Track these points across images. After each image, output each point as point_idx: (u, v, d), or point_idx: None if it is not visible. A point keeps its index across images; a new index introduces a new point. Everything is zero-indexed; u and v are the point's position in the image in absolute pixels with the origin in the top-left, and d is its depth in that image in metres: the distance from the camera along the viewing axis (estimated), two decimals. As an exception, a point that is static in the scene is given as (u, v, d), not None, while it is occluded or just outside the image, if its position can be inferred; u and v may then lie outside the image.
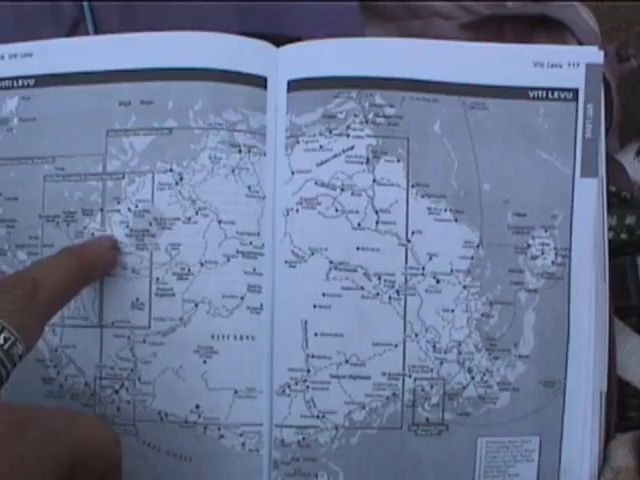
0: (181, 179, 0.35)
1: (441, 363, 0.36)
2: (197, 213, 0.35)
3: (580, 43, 0.42)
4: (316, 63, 0.36)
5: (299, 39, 0.38)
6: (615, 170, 0.41)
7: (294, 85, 0.36)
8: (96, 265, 0.34)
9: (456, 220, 0.36)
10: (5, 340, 0.26)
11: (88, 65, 0.36)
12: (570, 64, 0.37)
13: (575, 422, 0.36)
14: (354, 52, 0.36)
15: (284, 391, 0.35)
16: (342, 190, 0.35)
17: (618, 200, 0.39)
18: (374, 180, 0.36)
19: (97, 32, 0.40)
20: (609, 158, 0.42)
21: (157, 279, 0.35)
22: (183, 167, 0.35)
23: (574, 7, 0.45)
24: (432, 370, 0.36)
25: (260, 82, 0.36)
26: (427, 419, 0.36)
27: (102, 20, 0.41)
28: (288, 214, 0.35)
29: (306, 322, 0.35)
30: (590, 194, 0.37)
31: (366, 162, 0.36)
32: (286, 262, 0.35)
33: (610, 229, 0.38)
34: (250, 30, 0.38)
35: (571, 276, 0.37)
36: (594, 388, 0.37)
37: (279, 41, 0.38)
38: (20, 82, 0.37)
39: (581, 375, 0.36)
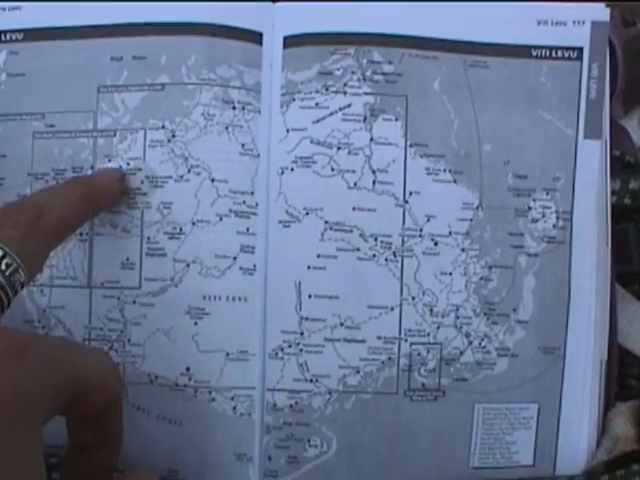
0: (173, 136, 0.34)
1: (438, 327, 0.35)
2: (189, 171, 0.34)
3: (584, 3, 0.41)
4: (313, 19, 0.35)
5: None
6: (619, 135, 0.40)
7: (290, 41, 0.35)
8: (103, 196, 0.33)
9: (455, 181, 0.35)
10: (7, 266, 0.26)
11: (79, 19, 0.35)
12: (575, 22, 0.36)
13: (574, 390, 0.36)
14: (352, 8, 0.35)
15: (277, 354, 0.34)
16: (338, 149, 0.35)
17: (622, 164, 0.38)
18: (371, 139, 0.35)
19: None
20: (613, 123, 0.41)
21: (148, 238, 0.34)
22: (175, 124, 0.34)
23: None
24: (429, 334, 0.35)
25: (256, 38, 0.35)
26: (423, 384, 0.35)
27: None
28: (283, 173, 0.35)
29: (300, 283, 0.34)
30: (593, 156, 0.36)
31: (363, 120, 0.35)
32: (280, 222, 0.34)
33: (613, 193, 0.37)
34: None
35: (572, 240, 0.36)
36: (594, 356, 0.36)
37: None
38: (8, 36, 0.36)
39: (581, 342, 0.36)
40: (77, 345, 0.26)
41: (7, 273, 0.26)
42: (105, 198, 0.33)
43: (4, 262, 0.26)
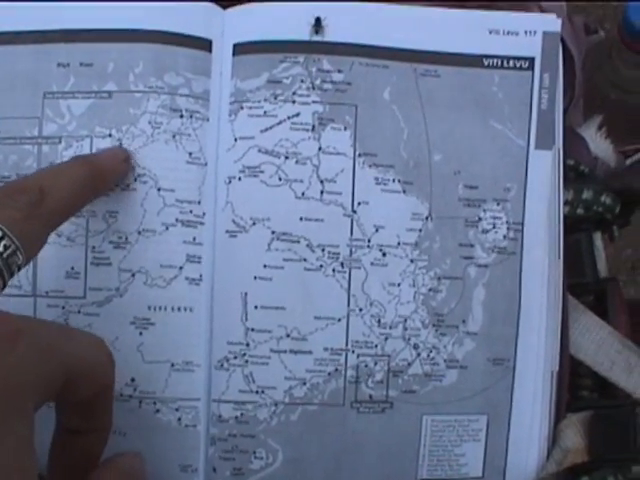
0: (120, 144, 0.34)
1: (386, 339, 0.34)
2: (136, 180, 0.34)
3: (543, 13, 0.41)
4: (263, 26, 0.35)
5: (248, 1, 0.37)
6: (575, 144, 0.40)
7: (240, 49, 0.35)
8: (107, 176, 0.32)
9: (404, 191, 0.35)
10: (5, 248, 0.25)
11: (26, 24, 0.35)
12: (527, 32, 0.35)
13: (524, 401, 0.35)
14: (302, 15, 0.35)
15: (222, 365, 0.34)
16: (286, 158, 0.34)
17: (576, 174, 0.38)
18: (320, 148, 0.34)
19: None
20: (571, 131, 0.41)
21: (93, 247, 0.34)
22: (122, 132, 0.34)
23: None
24: (376, 346, 0.34)
25: (205, 45, 0.35)
26: (370, 396, 0.34)
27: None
28: (230, 182, 0.34)
29: (246, 294, 0.34)
30: (545, 167, 0.36)
31: (312, 129, 0.34)
32: (227, 232, 0.34)
33: (566, 203, 0.37)
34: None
35: (523, 251, 0.35)
36: (545, 367, 0.36)
37: (227, 3, 0.36)
38: None
39: (531, 353, 0.35)
40: (71, 330, 0.25)
41: (5, 255, 0.25)
42: (109, 179, 0.32)
43: (2, 243, 0.25)
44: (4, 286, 0.26)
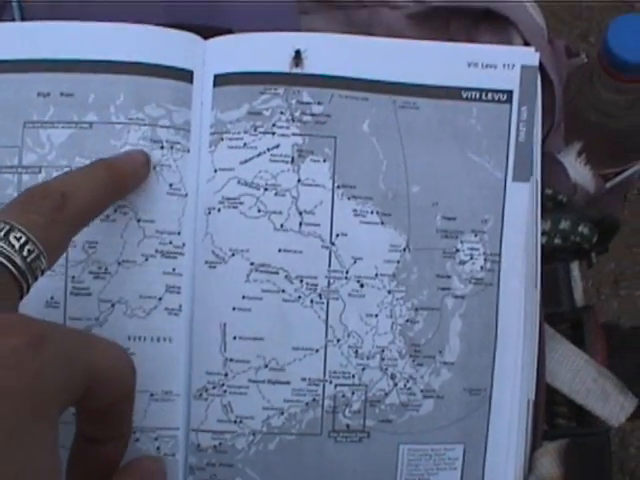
0: (100, 175, 0.34)
1: (363, 369, 0.35)
2: (116, 211, 0.34)
3: (524, 39, 0.41)
4: (243, 57, 0.35)
5: (230, 31, 0.37)
6: (554, 171, 0.40)
7: (220, 80, 0.35)
8: (128, 181, 0.32)
9: (382, 223, 0.35)
10: (29, 252, 0.25)
11: (6, 53, 0.35)
12: (505, 65, 0.36)
13: (500, 431, 0.36)
14: (282, 47, 0.35)
15: (201, 395, 0.34)
16: (265, 190, 0.35)
17: (554, 204, 0.38)
18: (299, 180, 0.35)
19: (24, 19, 0.39)
20: (550, 157, 0.41)
21: (73, 277, 0.34)
22: (103, 163, 0.34)
23: (521, 3, 0.44)
24: (354, 376, 0.35)
25: (186, 76, 0.35)
26: (348, 425, 0.35)
27: (30, 6, 0.39)
28: (210, 213, 0.35)
29: (225, 325, 0.34)
30: (522, 199, 0.36)
31: (291, 161, 0.35)
32: (206, 262, 0.34)
33: (544, 234, 0.37)
34: (178, 21, 0.37)
35: (500, 282, 0.36)
36: (521, 396, 0.36)
37: (209, 33, 0.37)
38: None
39: (508, 383, 0.36)
40: (94, 337, 0.25)
41: (28, 260, 0.25)
42: (130, 183, 0.32)
43: (26, 248, 0.25)
44: (27, 290, 0.26)
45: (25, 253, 0.25)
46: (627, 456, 1.01)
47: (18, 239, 0.25)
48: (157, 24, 0.36)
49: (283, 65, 0.35)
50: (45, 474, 0.21)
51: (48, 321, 0.23)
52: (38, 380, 0.21)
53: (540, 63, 0.40)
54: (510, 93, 0.36)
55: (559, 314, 0.38)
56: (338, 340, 0.35)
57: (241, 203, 0.35)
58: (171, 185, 0.34)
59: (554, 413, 0.38)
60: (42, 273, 0.26)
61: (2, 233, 0.25)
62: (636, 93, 0.44)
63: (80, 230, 0.29)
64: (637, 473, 1.01)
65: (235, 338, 0.34)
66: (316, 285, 0.35)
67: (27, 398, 0.21)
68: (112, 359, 0.25)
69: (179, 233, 0.34)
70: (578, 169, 0.42)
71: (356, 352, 0.35)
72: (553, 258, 0.38)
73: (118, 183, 0.31)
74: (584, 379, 0.38)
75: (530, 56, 0.36)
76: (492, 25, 0.44)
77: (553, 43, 0.49)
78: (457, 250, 0.35)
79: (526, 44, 0.41)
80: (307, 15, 0.44)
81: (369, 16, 0.46)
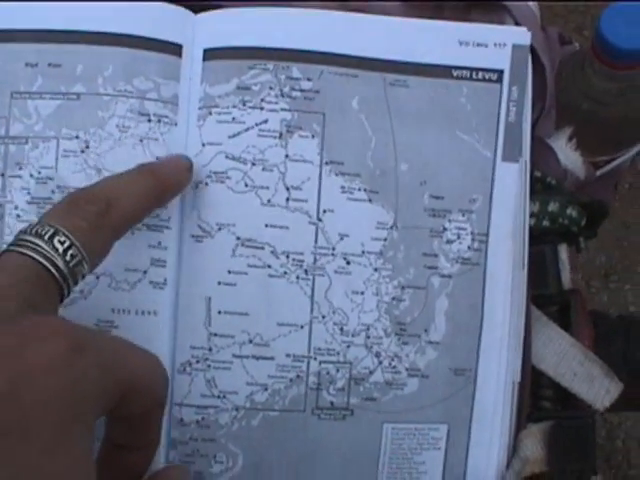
0: (87, 147, 0.34)
1: (348, 346, 0.35)
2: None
3: (517, 24, 0.41)
4: (233, 32, 0.35)
5: (220, 7, 0.37)
6: (544, 155, 0.40)
7: (210, 54, 0.35)
8: (172, 188, 0.32)
9: (370, 200, 0.35)
10: (72, 257, 0.26)
11: None
12: (496, 44, 0.36)
13: (485, 411, 0.36)
14: (273, 22, 0.35)
15: (185, 369, 0.34)
16: (253, 165, 0.34)
17: (543, 186, 0.38)
18: (287, 155, 0.34)
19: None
20: (541, 142, 0.41)
21: (58, 249, 0.34)
22: (90, 135, 0.34)
23: (515, -13, 0.44)
24: (338, 353, 0.35)
25: (175, 50, 0.35)
26: (332, 403, 0.35)
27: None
28: (197, 187, 0.34)
29: (210, 299, 0.34)
30: (511, 179, 0.36)
31: (279, 137, 0.34)
32: (192, 236, 0.34)
33: (532, 215, 0.37)
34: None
35: (487, 262, 0.36)
36: (506, 377, 0.36)
37: (199, 8, 0.36)
38: None
39: (493, 364, 0.36)
40: (131, 345, 0.25)
41: (71, 264, 0.26)
42: (173, 190, 0.32)
43: (69, 253, 0.26)
44: (68, 294, 0.26)
45: (68, 258, 0.26)
46: (614, 449, 1.01)
47: (62, 243, 0.26)
48: (148, -1, 0.36)
49: (273, 40, 0.35)
50: (81, 478, 0.21)
51: (87, 327, 0.23)
52: (78, 386, 0.21)
53: (532, 47, 0.40)
54: (501, 72, 0.36)
55: (546, 296, 0.38)
56: (323, 317, 0.35)
57: (228, 178, 0.34)
58: (158, 158, 0.34)
59: (539, 395, 0.38)
60: (83, 278, 0.26)
61: (47, 236, 0.25)
62: (628, 81, 0.44)
63: (122, 236, 0.29)
64: (624, 466, 1.01)
65: (220, 313, 0.34)
66: (302, 261, 0.34)
67: (67, 404, 0.21)
68: (148, 368, 0.25)
69: (165, 207, 0.34)
70: (568, 154, 0.42)
71: (341, 329, 0.35)
72: (541, 240, 0.38)
73: (162, 190, 0.31)
74: (570, 362, 0.38)
75: (522, 35, 0.36)
76: (485, 9, 0.43)
77: (546, 30, 0.48)
78: (444, 229, 0.35)
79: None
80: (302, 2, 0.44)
81: (364, 1, 0.46)
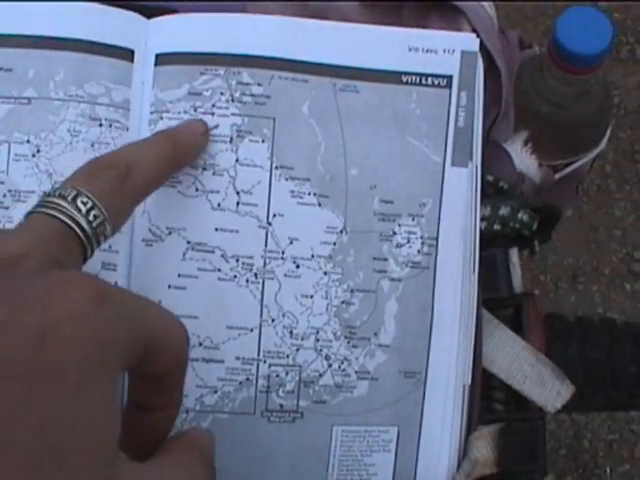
0: (38, 151, 0.34)
1: (297, 349, 0.35)
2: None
3: (474, 29, 0.41)
4: (185, 37, 0.35)
5: (175, 12, 0.37)
6: (500, 158, 0.40)
7: (162, 59, 0.35)
8: (189, 152, 0.33)
9: (320, 204, 0.35)
10: (95, 218, 0.26)
11: None
12: (445, 50, 0.36)
13: (435, 414, 0.36)
14: (224, 28, 0.35)
15: (135, 372, 0.34)
16: (204, 169, 0.35)
17: (495, 190, 0.38)
18: (237, 160, 0.35)
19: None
20: (496, 146, 0.42)
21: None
22: (41, 139, 0.34)
23: (472, -8, 0.44)
24: (288, 356, 0.35)
25: (126, 55, 0.35)
26: (281, 405, 0.35)
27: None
28: (148, 192, 0.34)
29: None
30: (460, 183, 0.36)
31: (230, 141, 0.35)
32: (143, 240, 0.34)
33: (483, 219, 0.37)
34: (124, 1, 0.37)
35: (437, 266, 0.36)
36: (456, 380, 0.36)
37: (154, 13, 0.37)
38: None
39: (443, 367, 0.36)
40: (152, 302, 0.26)
41: (94, 224, 0.26)
42: (191, 153, 0.33)
43: (92, 213, 0.26)
44: (91, 254, 0.27)
45: (91, 218, 0.26)
46: (581, 449, 1.02)
47: (85, 204, 0.26)
48: (103, 2, 0.36)
49: (224, 45, 0.35)
50: (105, 427, 0.22)
51: (108, 282, 0.24)
52: (102, 335, 0.21)
53: (488, 51, 0.40)
54: (450, 78, 0.36)
55: (498, 300, 0.38)
56: (273, 320, 0.35)
57: (179, 182, 0.35)
58: None
59: (491, 398, 0.38)
60: (105, 239, 0.27)
61: (70, 197, 0.26)
62: (584, 85, 0.45)
63: (143, 200, 0.30)
64: (590, 465, 1.02)
65: (170, 316, 0.34)
66: (252, 265, 0.35)
67: (91, 353, 0.21)
68: (169, 324, 0.25)
69: (116, 211, 0.34)
70: (523, 158, 0.42)
71: (291, 332, 0.35)
72: (493, 244, 0.38)
73: (179, 155, 0.32)
74: (521, 365, 0.38)
75: (470, 42, 0.36)
76: (443, 14, 0.44)
77: (506, 34, 0.49)
78: (394, 233, 0.36)
79: (475, 33, 0.41)
80: (260, 2, 0.44)
81: (323, 4, 0.46)
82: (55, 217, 0.26)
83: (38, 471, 0.20)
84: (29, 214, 0.26)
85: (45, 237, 0.25)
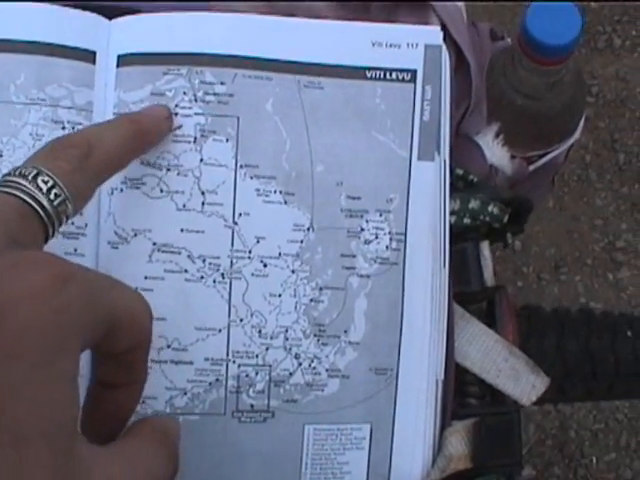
0: (1, 156, 0.34)
1: (267, 349, 0.35)
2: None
3: (442, 21, 0.41)
4: (147, 38, 0.35)
5: (139, 12, 0.37)
6: (471, 152, 0.40)
7: (124, 60, 0.35)
8: (152, 135, 0.33)
9: (286, 202, 0.35)
10: (56, 196, 0.26)
11: None
12: (409, 44, 0.36)
13: (408, 410, 0.36)
14: (185, 27, 0.35)
15: (103, 376, 0.34)
16: (168, 170, 0.34)
17: (465, 183, 0.38)
18: (201, 160, 0.35)
19: None
20: (467, 139, 0.42)
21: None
22: (3, 144, 0.34)
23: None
24: (257, 356, 0.35)
25: (88, 56, 0.35)
26: (252, 405, 0.35)
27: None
28: (112, 193, 0.34)
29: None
30: (427, 178, 0.36)
31: (194, 141, 0.35)
32: (109, 243, 0.34)
33: (452, 213, 0.37)
34: (87, 2, 0.36)
35: (406, 262, 0.36)
36: (429, 376, 0.36)
37: (116, 13, 0.36)
38: None
39: (414, 363, 0.36)
40: (117, 281, 0.26)
41: (55, 203, 0.26)
42: (153, 136, 0.33)
43: (53, 192, 0.26)
44: (53, 234, 0.27)
45: (52, 197, 0.26)
46: (567, 439, 1.02)
47: (45, 182, 0.26)
48: (66, 5, 0.36)
49: (186, 45, 0.35)
50: (64, 407, 0.21)
51: (74, 263, 0.24)
52: (62, 315, 0.21)
53: (457, 44, 0.40)
54: (414, 72, 0.36)
55: (469, 294, 0.38)
56: (241, 320, 0.35)
57: (143, 184, 0.34)
58: None
59: (465, 393, 0.38)
60: (67, 219, 0.27)
61: (30, 176, 0.26)
62: (555, 75, 0.45)
63: (105, 180, 0.30)
64: (576, 456, 1.02)
65: (137, 318, 0.34)
66: (219, 265, 0.35)
67: (51, 332, 0.21)
68: (133, 302, 0.25)
69: (81, 214, 0.34)
70: (495, 151, 0.42)
71: (259, 332, 0.35)
72: (463, 238, 0.38)
73: (142, 136, 0.32)
74: (494, 359, 0.38)
75: (434, 35, 0.36)
76: (411, 7, 0.44)
77: (477, 26, 0.49)
78: (362, 229, 0.35)
79: (443, 26, 0.41)
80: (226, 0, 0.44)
81: (291, 1, 0.46)
82: (15, 195, 0.25)
83: None
84: None
85: (5, 217, 0.25)
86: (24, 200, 0.26)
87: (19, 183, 0.26)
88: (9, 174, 0.27)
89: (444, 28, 0.40)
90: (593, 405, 0.99)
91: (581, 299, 1.08)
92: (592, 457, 1.01)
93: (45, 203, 0.26)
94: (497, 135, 0.42)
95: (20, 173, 0.26)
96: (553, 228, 1.07)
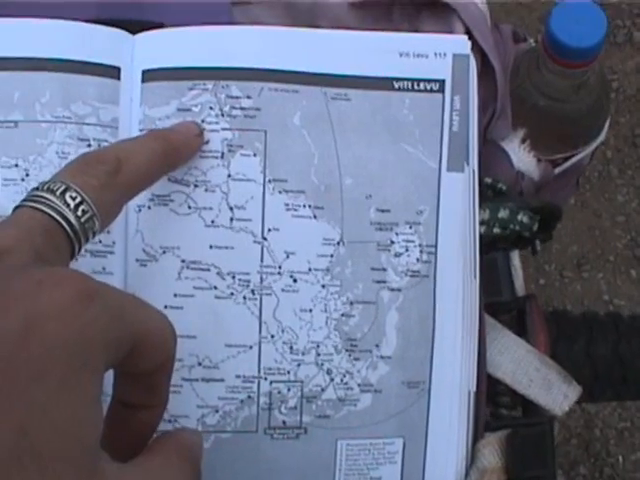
0: (27, 175, 0.34)
1: (298, 365, 0.35)
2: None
3: (466, 26, 0.41)
4: (172, 52, 0.35)
5: (162, 26, 0.36)
6: (498, 158, 0.40)
7: (149, 75, 0.35)
8: (181, 153, 0.33)
9: (315, 217, 0.35)
10: (83, 213, 0.26)
11: None
12: (437, 54, 0.35)
13: (441, 423, 0.35)
14: (210, 42, 0.35)
15: (135, 395, 0.34)
16: (196, 186, 0.34)
17: (494, 192, 0.38)
18: (229, 175, 0.34)
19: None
20: (494, 145, 0.41)
21: (2, 279, 0.33)
22: (29, 162, 0.34)
23: (463, -11, 0.43)
24: (289, 372, 0.34)
25: (113, 72, 0.35)
26: (284, 422, 0.35)
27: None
28: (140, 211, 0.34)
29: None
30: (457, 189, 0.36)
31: (221, 157, 0.34)
32: (137, 260, 0.34)
33: (482, 223, 0.36)
34: (110, 17, 0.36)
35: (437, 274, 0.35)
36: (461, 388, 0.36)
37: (139, 28, 0.36)
38: None
39: (447, 375, 0.35)
40: (142, 301, 0.25)
41: (82, 220, 0.26)
42: (183, 155, 0.33)
43: (81, 208, 0.26)
44: (79, 250, 0.26)
45: (79, 213, 0.26)
46: (592, 438, 1.01)
47: (73, 199, 0.26)
48: (88, 20, 0.35)
49: (211, 60, 0.35)
50: (88, 426, 0.21)
51: (96, 279, 0.23)
52: (87, 333, 0.21)
53: (482, 50, 0.39)
54: (442, 82, 0.35)
55: (501, 304, 0.37)
56: (272, 336, 0.34)
57: (171, 200, 0.34)
58: None
59: (497, 403, 0.38)
60: (94, 235, 0.27)
61: (59, 192, 0.26)
62: (580, 78, 0.44)
63: (133, 197, 0.30)
64: (602, 454, 1.01)
65: (167, 337, 0.34)
66: (248, 281, 0.34)
67: (76, 349, 0.21)
68: (157, 322, 0.25)
69: (108, 232, 0.34)
70: (521, 157, 0.41)
71: (291, 348, 0.35)
72: (493, 248, 0.37)
73: (171, 155, 0.31)
74: (526, 369, 0.37)
75: (461, 44, 0.35)
76: (434, 13, 0.43)
77: (499, 28, 0.48)
78: (392, 242, 0.35)
79: (468, 31, 0.40)
80: (247, 6, 0.44)
81: (312, 6, 0.45)
82: (42, 211, 0.25)
83: (18, 471, 0.19)
84: (16, 208, 0.26)
85: (32, 232, 0.25)
86: (51, 216, 0.25)
87: (47, 198, 0.26)
88: (37, 189, 0.27)
89: (468, 33, 0.40)
90: (618, 403, 0.99)
91: (604, 296, 1.07)
92: (618, 456, 1.00)
93: (72, 220, 0.26)
94: (523, 141, 0.42)
95: (48, 188, 0.26)
96: (575, 225, 1.06)
